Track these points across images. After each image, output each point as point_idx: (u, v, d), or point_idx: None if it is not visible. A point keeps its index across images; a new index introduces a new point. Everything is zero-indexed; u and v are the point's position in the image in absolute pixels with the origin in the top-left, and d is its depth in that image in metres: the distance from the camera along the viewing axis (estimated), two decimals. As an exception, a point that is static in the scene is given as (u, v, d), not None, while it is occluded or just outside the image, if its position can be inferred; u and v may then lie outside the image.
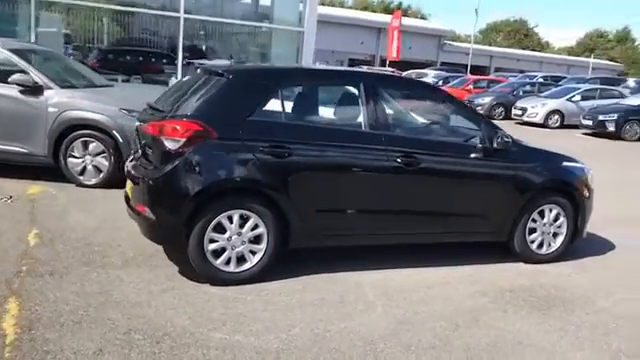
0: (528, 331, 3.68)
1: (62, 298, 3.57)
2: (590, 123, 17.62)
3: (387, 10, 55.77)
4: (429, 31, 48.04)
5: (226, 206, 3.93)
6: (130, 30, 13.33)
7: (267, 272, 4.09)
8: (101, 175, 6.42)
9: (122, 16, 12.81)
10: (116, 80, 10.04)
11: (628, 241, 5.88)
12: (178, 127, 3.85)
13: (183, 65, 11.99)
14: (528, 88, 23.52)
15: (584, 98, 20.12)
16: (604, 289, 4.53)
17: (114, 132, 6.30)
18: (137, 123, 4.50)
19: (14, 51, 6.52)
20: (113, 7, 12.51)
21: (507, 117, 20.75)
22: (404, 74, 25.43)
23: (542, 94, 21.45)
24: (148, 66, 13.05)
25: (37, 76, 6.32)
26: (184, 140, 3.83)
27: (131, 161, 4.47)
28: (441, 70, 35.51)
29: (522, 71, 40.53)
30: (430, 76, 30.04)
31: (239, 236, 3.97)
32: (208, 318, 3.47)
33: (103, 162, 6.39)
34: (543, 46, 69.01)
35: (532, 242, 4.95)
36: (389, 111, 4.69)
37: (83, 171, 6.41)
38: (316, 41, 13.33)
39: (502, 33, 68.65)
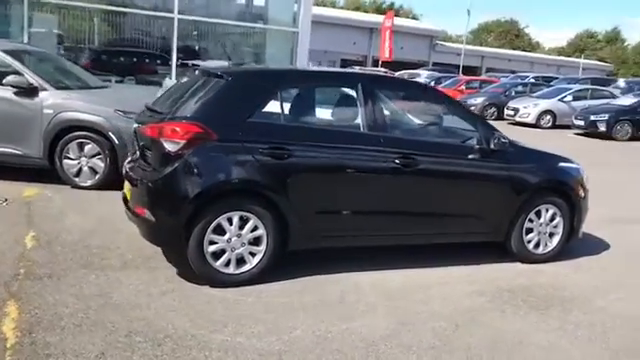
0: (527, 330, 3.71)
1: (61, 301, 3.55)
2: (582, 123, 17.76)
3: (379, 10, 55.88)
4: (421, 31, 48.16)
5: (226, 208, 3.92)
6: (123, 31, 13.24)
7: (266, 274, 4.09)
8: (97, 177, 6.40)
9: (114, 16, 12.72)
10: (110, 81, 9.98)
11: (622, 240, 5.93)
12: (178, 129, 3.84)
13: (177, 66, 11.94)
14: (520, 88, 23.66)
15: (576, 98, 20.29)
16: (601, 288, 4.57)
17: (110, 134, 6.27)
18: (135, 125, 4.49)
19: (8, 52, 6.49)
20: (106, 7, 12.43)
21: (499, 117, 20.85)
22: (396, 74, 25.46)
23: (534, 94, 21.59)
24: (142, 67, 12.98)
25: (32, 77, 6.29)
26: (184, 142, 3.82)
27: (129, 163, 4.46)
28: (433, 70, 35.61)
29: (513, 71, 40.73)
30: (423, 76, 30.11)
31: (239, 238, 3.97)
32: (209, 320, 3.47)
33: (99, 164, 6.37)
34: (534, 46, 69.43)
35: (529, 242, 4.98)
36: (387, 112, 4.71)
37: (79, 173, 6.38)
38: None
39: (493, 33, 68.98)
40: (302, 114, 4.58)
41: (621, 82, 27.95)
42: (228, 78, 4.15)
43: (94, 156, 6.36)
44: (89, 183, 6.39)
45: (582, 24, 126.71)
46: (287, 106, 4.42)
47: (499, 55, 52.44)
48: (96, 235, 4.85)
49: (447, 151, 4.69)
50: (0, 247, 4.38)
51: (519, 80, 28.04)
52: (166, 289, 3.87)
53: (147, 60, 13.21)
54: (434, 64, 44.40)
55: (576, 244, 5.33)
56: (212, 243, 3.91)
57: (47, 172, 6.40)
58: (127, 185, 4.30)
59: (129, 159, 4.61)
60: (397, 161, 4.32)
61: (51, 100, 6.28)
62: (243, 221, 3.97)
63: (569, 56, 60.35)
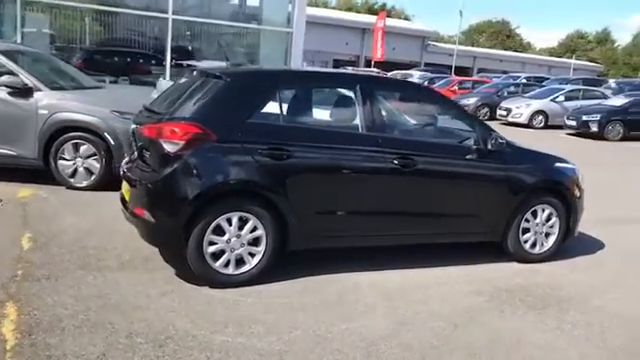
0: (525, 330, 3.73)
1: (60, 302, 3.54)
2: (574, 123, 17.88)
3: (371, 11, 55.94)
4: (413, 32, 48.30)
5: (225, 208, 3.92)
6: (116, 31, 13.19)
7: (266, 274, 4.09)
8: (92, 177, 6.37)
9: (108, 16, 12.67)
10: (104, 81, 9.94)
11: (617, 240, 5.98)
12: (177, 129, 3.84)
13: (171, 66, 11.91)
14: (512, 89, 23.79)
15: (568, 99, 20.43)
16: (597, 288, 4.61)
17: (105, 134, 6.25)
18: (133, 125, 4.48)
19: (2, 52, 6.43)
20: (99, 7, 12.37)
21: (492, 118, 20.93)
22: (389, 75, 25.51)
23: (526, 95, 21.71)
24: (135, 67, 12.93)
25: (26, 78, 6.26)
26: (183, 143, 3.81)
27: (127, 163, 4.45)
28: (426, 71, 35.73)
29: (505, 72, 40.95)
30: (415, 77, 30.21)
31: (238, 238, 3.97)
32: (209, 321, 3.47)
33: (94, 164, 6.34)
34: (525, 47, 69.74)
35: (525, 242, 5.01)
36: (385, 113, 4.73)
37: (74, 173, 6.35)
38: (302, 42, 13.34)
39: (485, 34, 69.24)
40: (301, 115, 4.59)
41: (612, 83, 28.15)
42: (227, 79, 4.15)
43: (89, 157, 6.33)
44: (84, 184, 6.37)
45: (573, 25, 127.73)
46: (286, 107, 4.41)
47: (491, 55, 52.68)
48: (93, 236, 4.82)
49: (445, 151, 4.71)
50: (-3, 248, 4.36)
51: (511, 80, 28.21)
52: (165, 290, 3.86)
53: (141, 60, 13.17)
54: (426, 64, 44.54)
55: (571, 244, 5.37)
56: (211, 244, 3.91)
57: (41, 173, 6.37)
58: (125, 186, 4.28)
59: (127, 160, 4.59)
60: (395, 161, 4.34)
61: (46, 100, 6.24)
62: (242, 222, 3.97)
63: (560, 57, 60.75)
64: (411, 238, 4.73)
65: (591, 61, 60.37)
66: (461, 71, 41.63)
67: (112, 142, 6.24)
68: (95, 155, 6.31)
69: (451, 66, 40.31)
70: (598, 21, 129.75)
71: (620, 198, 8.49)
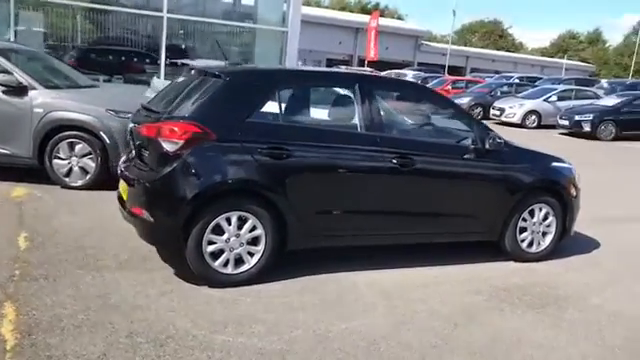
0: (525, 329, 3.75)
1: (59, 302, 3.51)
2: (567, 123, 17.98)
3: (364, 10, 55.99)
4: (406, 31, 48.37)
5: (225, 208, 3.91)
6: (110, 29, 13.12)
7: (265, 273, 4.08)
8: (87, 177, 6.32)
9: (102, 15, 12.60)
10: (98, 80, 9.88)
11: (612, 239, 6.02)
12: (176, 129, 3.82)
13: (166, 65, 11.86)
14: (505, 89, 23.89)
15: (560, 98, 20.53)
16: (594, 287, 4.63)
17: (101, 133, 6.21)
18: (131, 124, 4.45)
19: (-3, 51, 6.39)
20: (93, 6, 12.30)
21: (485, 117, 20.99)
22: (382, 74, 25.53)
23: (519, 94, 21.81)
24: (130, 66, 12.86)
25: (21, 76, 6.20)
26: (182, 142, 3.80)
27: (125, 162, 4.42)
28: (419, 70, 35.79)
29: (497, 71, 41.11)
30: (409, 76, 30.20)
31: (237, 238, 3.95)
32: (209, 320, 3.46)
33: (90, 163, 6.30)
34: (517, 47, 70.09)
35: (523, 241, 5.03)
36: (384, 113, 4.72)
37: (69, 173, 6.30)
38: (296, 41, 13.31)
39: (477, 34, 69.52)
40: (301, 114, 4.58)
41: (604, 83, 28.33)
42: (226, 78, 4.13)
43: (85, 156, 6.28)
44: (80, 183, 6.32)
45: (565, 25, 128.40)
46: (285, 106, 4.40)
47: (483, 55, 52.87)
48: (90, 235, 4.79)
49: (443, 151, 4.72)
50: (-7, 248, 4.32)
51: (504, 80, 28.31)
52: (164, 290, 3.84)
53: (135, 59, 13.11)
54: (419, 64, 44.62)
55: (568, 243, 5.40)
56: (211, 243, 3.90)
57: (35, 172, 6.32)
58: (123, 185, 4.25)
59: (124, 159, 4.57)
60: (394, 161, 4.34)
61: (41, 99, 6.20)
62: (242, 221, 3.96)
63: (552, 56, 61.09)
64: (410, 237, 4.73)
65: (583, 61, 60.73)
66: (454, 71, 41.77)
67: (108, 141, 6.20)
68: (90, 154, 6.26)
69: (444, 66, 40.42)
70: (590, 21, 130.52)
71: (614, 197, 8.55)
